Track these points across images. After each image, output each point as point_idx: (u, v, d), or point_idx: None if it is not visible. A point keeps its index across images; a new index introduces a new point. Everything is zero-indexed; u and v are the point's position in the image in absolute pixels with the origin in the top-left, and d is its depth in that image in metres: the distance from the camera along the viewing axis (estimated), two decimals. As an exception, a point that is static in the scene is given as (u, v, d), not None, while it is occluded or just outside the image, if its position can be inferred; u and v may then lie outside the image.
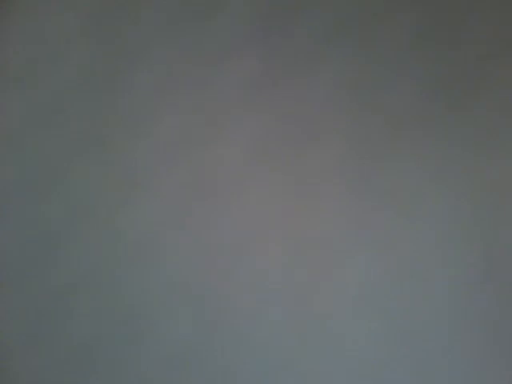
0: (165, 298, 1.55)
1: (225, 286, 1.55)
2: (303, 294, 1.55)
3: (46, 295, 1.55)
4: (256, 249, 1.55)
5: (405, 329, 1.54)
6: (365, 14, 1.59)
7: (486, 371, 1.52)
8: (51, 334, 1.55)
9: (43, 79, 1.59)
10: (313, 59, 1.59)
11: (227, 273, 1.55)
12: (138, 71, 1.59)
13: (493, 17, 1.58)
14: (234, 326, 1.54)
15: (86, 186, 1.57)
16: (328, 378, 1.53)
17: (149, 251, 1.56)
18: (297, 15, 1.59)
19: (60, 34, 1.60)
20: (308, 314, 1.54)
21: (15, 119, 1.58)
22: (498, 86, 1.57)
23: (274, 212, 1.56)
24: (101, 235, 1.56)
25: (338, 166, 1.57)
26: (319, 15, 1.59)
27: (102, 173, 1.57)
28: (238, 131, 1.58)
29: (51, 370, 1.55)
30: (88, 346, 1.54)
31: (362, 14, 1.59)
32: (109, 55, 1.59)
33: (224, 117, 1.58)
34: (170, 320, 1.55)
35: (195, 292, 1.55)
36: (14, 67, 1.59)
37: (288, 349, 1.54)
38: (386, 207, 1.56)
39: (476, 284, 1.54)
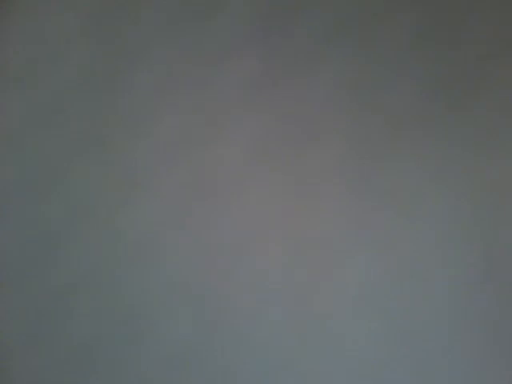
0: (165, 298, 1.55)
1: (225, 286, 1.55)
2: (303, 294, 1.55)
3: (46, 295, 1.55)
4: (256, 249, 1.55)
5: (405, 329, 1.54)
6: (365, 13, 1.59)
7: (486, 371, 1.52)
8: (51, 334, 1.55)
9: (43, 79, 1.59)
10: (313, 59, 1.59)
11: (227, 273, 1.55)
12: (138, 71, 1.59)
13: (493, 17, 1.58)
14: (234, 326, 1.54)
15: (86, 186, 1.57)
16: (328, 378, 1.53)
17: (149, 251, 1.56)
18: (297, 15, 1.59)
19: (60, 34, 1.60)
20: (308, 314, 1.54)
21: (15, 119, 1.58)
22: (498, 85, 1.57)
23: (274, 212, 1.56)
24: (101, 235, 1.56)
25: (338, 166, 1.57)
26: (319, 15, 1.59)
27: (102, 173, 1.57)
28: (238, 131, 1.58)
29: (51, 370, 1.55)
30: (88, 346, 1.54)
31: (362, 14, 1.59)
32: (109, 55, 1.59)
33: (224, 117, 1.58)
34: (169, 320, 1.55)
35: (195, 292, 1.55)
36: (14, 67, 1.59)
37: (288, 349, 1.54)
38: (386, 207, 1.56)
39: (476, 284, 1.54)
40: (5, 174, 1.57)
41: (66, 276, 1.55)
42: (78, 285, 1.55)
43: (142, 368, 1.54)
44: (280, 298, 1.55)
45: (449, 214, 1.55)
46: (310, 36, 1.59)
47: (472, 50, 1.58)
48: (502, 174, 1.55)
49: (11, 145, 1.58)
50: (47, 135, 1.58)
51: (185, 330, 1.54)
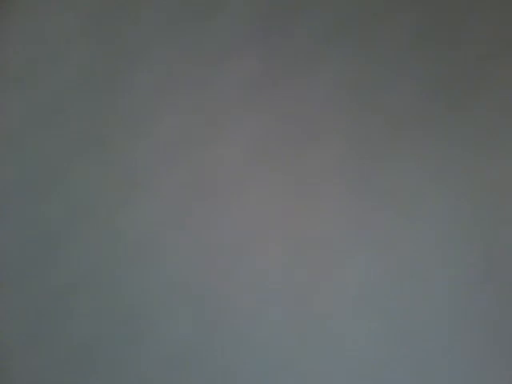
0: (165, 298, 1.55)
1: (225, 286, 1.55)
2: (303, 294, 1.55)
3: (46, 295, 1.55)
4: (256, 249, 1.55)
5: (405, 329, 1.54)
6: (365, 13, 1.59)
7: (486, 371, 1.52)
8: (51, 334, 1.55)
9: (43, 79, 1.59)
10: (313, 59, 1.59)
11: (227, 273, 1.55)
12: (138, 71, 1.59)
13: (493, 17, 1.58)
14: (234, 326, 1.54)
15: (86, 186, 1.57)
16: (328, 378, 1.53)
17: (149, 251, 1.56)
18: (297, 15, 1.59)
19: (60, 34, 1.60)
20: (308, 314, 1.54)
21: (15, 119, 1.58)
22: (498, 85, 1.57)
23: (274, 212, 1.56)
24: (101, 235, 1.56)
25: (338, 166, 1.57)
26: (319, 15, 1.59)
27: (102, 173, 1.57)
28: (238, 131, 1.58)
29: (51, 370, 1.55)
30: (88, 346, 1.54)
31: (362, 14, 1.59)
32: (109, 55, 1.59)
33: (224, 117, 1.58)
34: (170, 320, 1.55)
35: (195, 292, 1.55)
36: (14, 67, 1.59)
37: (288, 349, 1.54)
38: (386, 207, 1.56)
39: (476, 284, 1.54)
40: (5, 174, 1.57)
41: (66, 276, 1.55)
42: (77, 285, 1.55)
43: (142, 368, 1.54)
44: (280, 298, 1.55)
45: (449, 214, 1.55)
46: (310, 36, 1.59)
47: (472, 50, 1.58)
48: (502, 174, 1.55)
49: (11, 145, 1.58)
50: (47, 135, 1.58)
51: (185, 329, 1.54)
